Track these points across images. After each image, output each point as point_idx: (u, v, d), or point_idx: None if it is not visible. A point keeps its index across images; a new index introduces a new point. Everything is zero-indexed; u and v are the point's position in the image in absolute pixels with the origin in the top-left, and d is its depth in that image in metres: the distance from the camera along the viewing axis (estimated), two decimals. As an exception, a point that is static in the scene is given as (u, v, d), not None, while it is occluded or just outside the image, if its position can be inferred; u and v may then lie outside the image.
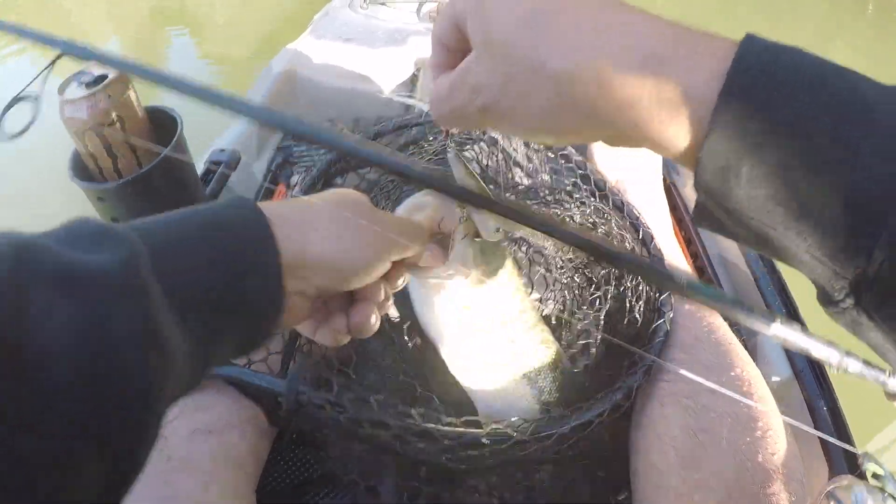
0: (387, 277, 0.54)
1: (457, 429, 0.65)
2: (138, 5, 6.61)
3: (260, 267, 0.42)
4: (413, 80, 1.54)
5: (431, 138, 1.00)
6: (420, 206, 0.59)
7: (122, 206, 0.79)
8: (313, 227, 0.47)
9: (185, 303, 0.37)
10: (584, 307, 0.87)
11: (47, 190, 2.99)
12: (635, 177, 1.05)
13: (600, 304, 0.86)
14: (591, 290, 0.88)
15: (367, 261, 0.50)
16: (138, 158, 0.79)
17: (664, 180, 1.17)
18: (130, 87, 0.78)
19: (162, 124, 0.83)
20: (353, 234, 0.48)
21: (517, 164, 0.99)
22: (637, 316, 0.79)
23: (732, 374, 0.69)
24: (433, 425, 0.65)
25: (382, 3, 2.03)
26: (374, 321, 0.53)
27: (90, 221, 0.37)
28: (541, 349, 0.71)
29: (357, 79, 1.60)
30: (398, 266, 0.55)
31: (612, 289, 0.85)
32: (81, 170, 0.81)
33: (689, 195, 1.24)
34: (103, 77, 0.75)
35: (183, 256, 0.39)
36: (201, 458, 0.64)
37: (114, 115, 0.75)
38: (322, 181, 0.93)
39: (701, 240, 1.15)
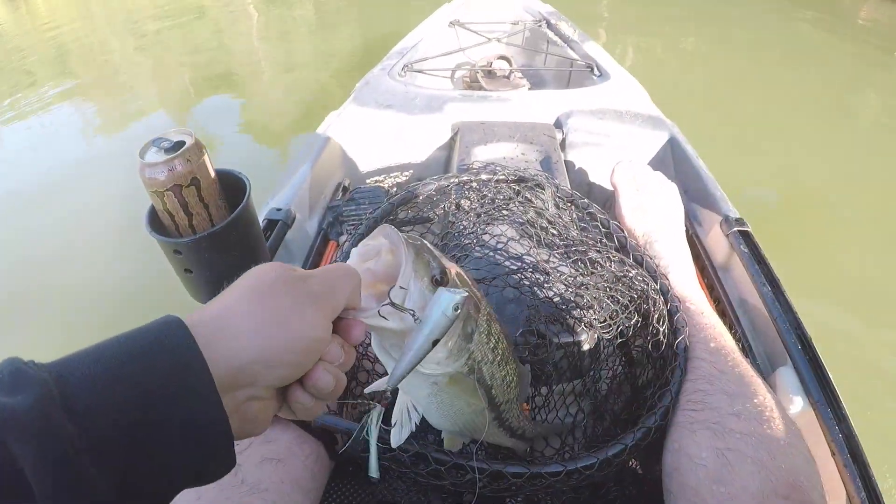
0: (340, 332, 0.51)
1: (494, 466, 0.73)
2: (182, 65, 6.91)
3: (189, 394, 0.39)
4: (451, 142, 1.62)
5: (476, 204, 1.09)
6: (371, 254, 0.57)
7: (196, 258, 0.87)
8: (239, 329, 0.43)
9: (103, 445, 0.36)
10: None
11: (121, 241, 3.17)
12: (660, 231, 1.13)
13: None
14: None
15: (305, 338, 0.46)
16: (211, 216, 0.88)
17: (687, 232, 1.26)
18: (205, 152, 0.87)
19: (230, 185, 0.93)
20: (278, 318, 0.45)
21: (550, 222, 1.06)
22: (661, 339, 0.88)
23: (755, 400, 0.77)
24: (482, 464, 0.73)
25: (419, 71, 2.16)
26: (333, 381, 0.49)
27: (7, 363, 0.36)
28: (508, 382, 0.72)
29: (398, 141, 1.70)
30: (347, 322, 0.52)
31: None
32: (158, 225, 0.90)
33: (711, 245, 1.35)
34: (181, 143, 0.85)
35: (98, 395, 0.37)
36: (270, 482, 0.71)
37: (191, 177, 0.85)
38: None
39: (722, 285, 1.26)
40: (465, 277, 0.62)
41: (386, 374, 0.59)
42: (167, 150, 0.85)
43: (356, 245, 0.59)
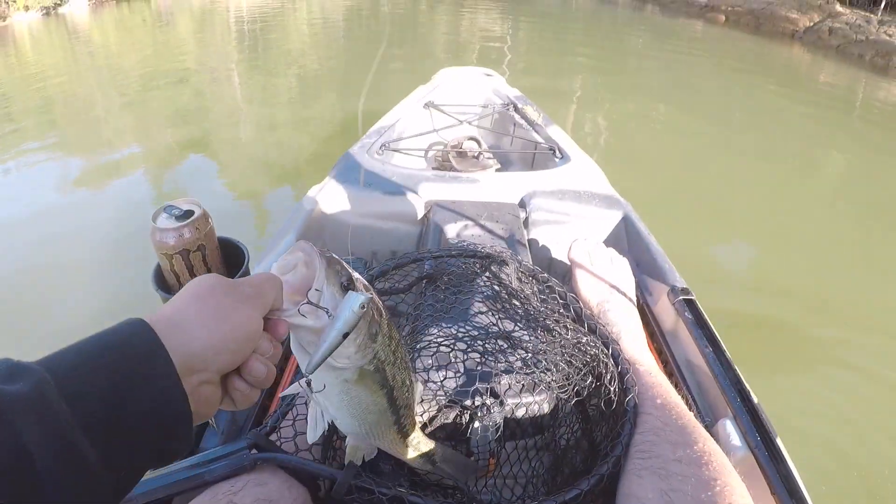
0: (268, 330, 0.60)
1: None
2: (164, 124, 6.99)
3: (157, 377, 0.48)
4: (424, 220, 1.74)
5: (446, 277, 1.21)
6: (288, 267, 0.65)
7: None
8: (190, 324, 0.52)
9: (91, 421, 0.43)
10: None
11: (126, 291, 3.24)
12: (613, 301, 1.28)
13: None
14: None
15: (243, 328, 0.55)
16: (213, 279, 0.99)
17: (638, 301, 1.42)
18: (211, 222, 0.99)
19: (230, 251, 1.04)
20: (220, 314, 0.54)
21: (512, 295, 1.19)
22: (612, 397, 1.00)
23: (696, 447, 0.89)
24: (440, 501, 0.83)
25: (396, 150, 2.31)
26: (267, 371, 0.60)
27: (5, 361, 0.44)
28: (407, 386, 0.80)
29: (375, 217, 1.83)
30: (273, 322, 0.61)
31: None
32: (163, 283, 1.01)
33: (659, 312, 1.50)
34: (191, 212, 0.97)
35: (83, 381, 0.45)
36: None
37: (198, 244, 0.96)
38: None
39: (670, 348, 1.40)
40: (370, 287, 0.71)
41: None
42: (178, 218, 0.96)
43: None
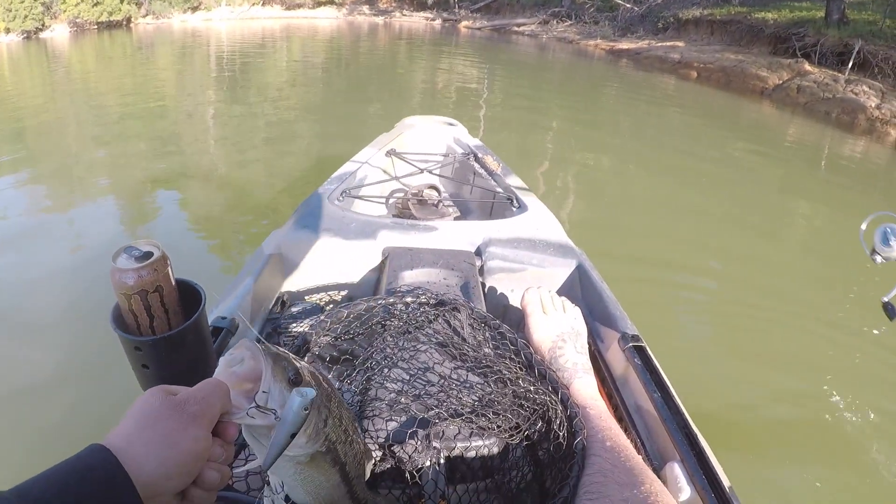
0: (218, 434, 0.63)
1: None
2: (136, 156, 6.98)
3: (119, 499, 0.52)
4: (381, 266, 1.77)
5: (400, 323, 1.25)
6: (236, 361, 0.68)
7: (154, 356, 0.99)
8: (140, 454, 0.55)
9: None
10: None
11: (83, 330, 3.23)
12: (564, 347, 1.31)
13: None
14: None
15: (191, 452, 0.58)
16: (170, 320, 1.01)
17: (590, 347, 1.47)
18: (169, 264, 1.02)
19: (187, 293, 1.06)
20: (168, 441, 0.57)
21: (464, 340, 1.22)
22: (562, 441, 1.03)
23: (643, 487, 0.92)
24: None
25: (356, 197, 2.35)
26: (219, 476, 0.62)
27: None
28: (358, 459, 0.83)
29: (333, 263, 1.86)
30: (223, 425, 0.64)
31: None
32: (121, 322, 1.02)
33: (610, 359, 1.55)
34: (150, 254, 0.99)
35: None
36: None
37: (156, 285, 0.98)
38: (305, 348, 1.17)
39: (620, 393, 1.44)
40: (318, 375, 0.74)
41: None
42: (137, 259, 0.99)
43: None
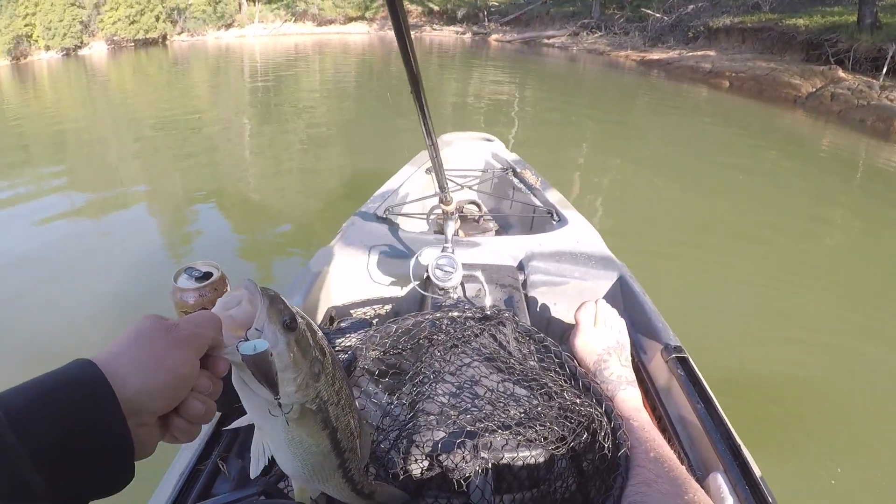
0: (209, 367, 0.62)
1: None
2: (174, 170, 7.12)
3: (105, 414, 0.52)
4: (426, 281, 1.81)
5: (446, 338, 1.27)
6: (233, 302, 0.67)
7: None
8: (125, 370, 0.55)
9: (40, 455, 0.47)
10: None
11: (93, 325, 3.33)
12: (609, 360, 1.34)
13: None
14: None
15: (176, 373, 0.57)
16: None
17: (633, 359, 1.48)
18: (228, 283, 1.06)
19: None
20: (154, 359, 0.57)
21: (510, 354, 1.25)
22: (606, 453, 1.05)
23: (686, 497, 0.94)
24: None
25: (399, 214, 2.39)
26: (206, 408, 0.61)
27: None
28: (352, 430, 0.80)
29: (378, 280, 1.91)
30: (213, 359, 0.63)
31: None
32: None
33: (653, 370, 1.55)
34: (209, 274, 1.04)
35: (34, 417, 0.48)
36: None
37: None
38: (354, 363, 1.21)
39: (663, 404, 1.45)
40: (315, 329, 0.72)
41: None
42: (198, 279, 1.04)
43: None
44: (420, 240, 2.01)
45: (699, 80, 14.46)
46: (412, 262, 1.71)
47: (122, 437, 0.53)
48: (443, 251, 1.65)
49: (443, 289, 1.63)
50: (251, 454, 0.74)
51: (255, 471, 0.74)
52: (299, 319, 0.67)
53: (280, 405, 0.66)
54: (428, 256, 1.70)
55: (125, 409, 0.53)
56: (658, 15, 20.13)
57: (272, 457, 0.75)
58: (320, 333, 0.73)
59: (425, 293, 1.67)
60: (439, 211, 2.68)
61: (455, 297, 1.64)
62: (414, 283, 1.72)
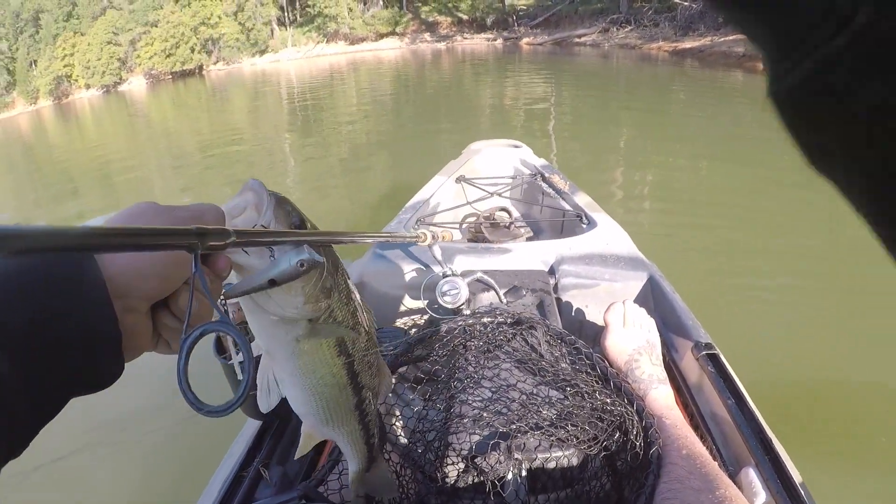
0: (208, 264, 0.54)
1: None
2: (219, 196, 7.30)
3: (86, 292, 0.46)
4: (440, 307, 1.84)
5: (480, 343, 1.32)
6: (238, 210, 0.59)
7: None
8: None
9: (12, 335, 0.41)
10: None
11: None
12: (641, 359, 1.36)
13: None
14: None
15: (170, 253, 0.50)
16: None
17: (664, 357, 1.50)
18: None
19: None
20: None
21: (542, 356, 1.28)
22: (639, 451, 1.07)
23: (718, 493, 0.96)
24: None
25: (431, 224, 2.44)
26: (198, 305, 0.51)
27: None
28: (370, 363, 0.72)
29: (413, 290, 1.96)
30: (213, 257, 0.55)
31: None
32: (221, 350, 1.14)
33: (684, 368, 1.57)
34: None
35: (8, 295, 0.43)
36: None
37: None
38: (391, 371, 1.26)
39: (695, 401, 1.47)
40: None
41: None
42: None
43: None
44: (453, 248, 2.04)
45: (733, 65, 14.19)
46: (446, 270, 1.75)
47: (107, 319, 0.47)
48: (444, 277, 1.70)
49: (456, 308, 1.67)
50: (257, 386, 0.64)
51: (264, 406, 0.64)
52: (308, 225, 0.61)
53: (284, 314, 0.59)
54: (429, 289, 1.74)
55: (111, 289, 0.48)
56: (686, 3, 19.85)
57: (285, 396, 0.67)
58: (334, 251, 0.67)
59: (444, 317, 1.68)
60: (472, 219, 2.73)
61: (467, 312, 1.66)
62: (430, 314, 1.77)
